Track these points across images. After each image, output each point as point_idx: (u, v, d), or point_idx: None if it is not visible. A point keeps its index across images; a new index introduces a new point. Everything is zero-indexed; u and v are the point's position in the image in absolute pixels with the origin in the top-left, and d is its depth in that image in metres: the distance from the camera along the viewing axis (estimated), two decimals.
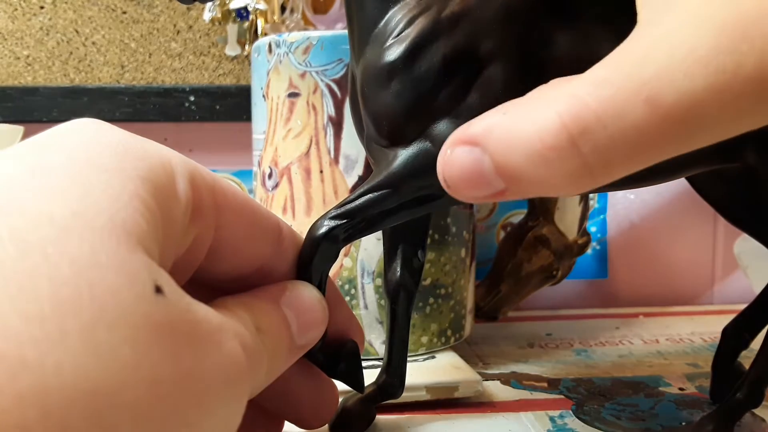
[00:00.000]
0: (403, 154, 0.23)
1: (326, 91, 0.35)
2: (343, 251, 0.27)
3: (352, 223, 0.23)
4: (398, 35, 0.24)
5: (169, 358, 0.13)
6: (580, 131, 0.14)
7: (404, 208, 0.24)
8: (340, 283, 0.36)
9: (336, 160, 0.36)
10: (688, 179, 0.30)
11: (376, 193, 0.23)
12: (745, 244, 0.52)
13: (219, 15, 0.49)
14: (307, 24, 0.50)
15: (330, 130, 0.36)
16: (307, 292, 0.21)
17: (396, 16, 0.24)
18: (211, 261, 0.20)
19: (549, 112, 0.15)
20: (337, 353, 0.24)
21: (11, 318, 0.12)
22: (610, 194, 0.57)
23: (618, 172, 0.15)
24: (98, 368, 0.12)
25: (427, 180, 0.23)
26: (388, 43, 0.24)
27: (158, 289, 0.14)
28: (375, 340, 0.36)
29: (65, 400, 0.11)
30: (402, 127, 0.23)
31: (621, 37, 0.16)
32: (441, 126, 0.23)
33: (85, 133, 0.16)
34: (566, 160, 0.15)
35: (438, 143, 0.23)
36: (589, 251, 0.54)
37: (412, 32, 0.23)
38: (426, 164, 0.23)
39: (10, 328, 0.12)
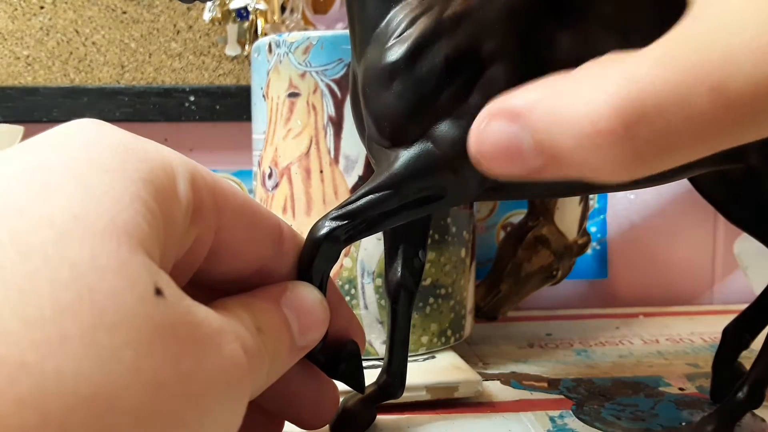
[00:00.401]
0: (405, 155, 0.23)
1: (326, 91, 0.35)
2: (342, 251, 0.27)
3: (353, 224, 0.23)
4: (400, 35, 0.23)
5: (169, 360, 0.13)
6: (636, 118, 0.13)
7: (405, 209, 0.24)
8: (340, 283, 0.36)
9: (336, 160, 0.36)
10: (691, 179, 0.30)
11: (377, 194, 0.23)
12: (745, 244, 0.52)
13: (219, 15, 0.49)
14: (307, 24, 0.50)
15: (330, 130, 0.35)
16: (307, 293, 0.21)
17: (398, 16, 0.24)
18: (212, 262, 0.19)
19: (601, 92, 0.14)
20: (337, 354, 0.24)
21: (12, 322, 0.12)
22: (610, 194, 0.57)
23: (673, 162, 0.14)
24: (98, 372, 0.12)
25: (428, 181, 0.23)
26: (389, 44, 0.24)
27: (159, 291, 0.14)
28: (375, 340, 0.36)
29: (65, 404, 0.11)
30: (403, 127, 0.23)
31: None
32: (443, 127, 0.23)
33: (86, 134, 0.16)
34: (618, 147, 0.14)
35: (440, 144, 0.23)
36: (589, 251, 0.54)
37: (414, 32, 0.23)
38: (428, 165, 0.23)
39: (10, 332, 0.11)
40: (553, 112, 0.14)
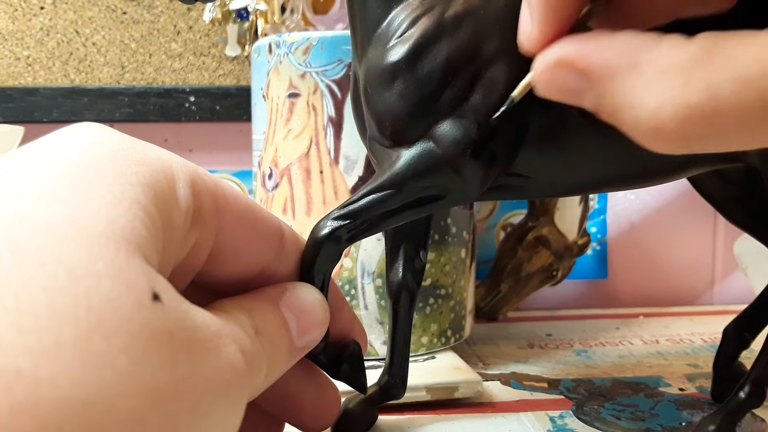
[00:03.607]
0: (406, 155, 0.23)
1: (326, 92, 0.35)
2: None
3: (355, 223, 0.23)
4: (401, 35, 0.24)
5: (166, 366, 0.13)
6: (697, 126, 0.15)
7: (407, 208, 0.24)
8: (340, 283, 0.36)
9: (336, 160, 0.36)
10: (690, 179, 0.30)
11: (379, 194, 0.23)
12: (745, 244, 0.52)
13: (219, 15, 0.49)
14: (308, 24, 0.50)
15: (330, 131, 0.36)
16: (307, 293, 0.21)
17: (399, 17, 0.24)
18: (213, 265, 0.19)
19: (675, 98, 0.15)
20: (339, 355, 0.24)
21: (7, 329, 0.12)
22: (610, 195, 0.57)
23: (713, 149, 0.16)
24: (94, 378, 0.12)
25: (430, 180, 0.23)
26: (391, 44, 0.24)
27: (156, 297, 0.14)
28: (375, 340, 0.36)
29: (60, 411, 0.11)
30: (405, 127, 0.23)
31: None
32: (444, 126, 0.23)
33: (86, 139, 0.16)
34: (669, 141, 0.15)
35: (441, 144, 0.23)
36: (589, 252, 0.54)
37: (415, 33, 0.23)
38: (429, 165, 0.23)
39: (5, 340, 0.11)
40: (625, 93, 0.15)
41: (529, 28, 0.17)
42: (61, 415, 0.11)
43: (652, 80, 0.15)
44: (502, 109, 0.22)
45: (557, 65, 0.17)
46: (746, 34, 0.14)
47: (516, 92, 0.20)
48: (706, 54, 0.15)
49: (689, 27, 0.16)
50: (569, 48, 0.17)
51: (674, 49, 0.15)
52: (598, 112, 0.17)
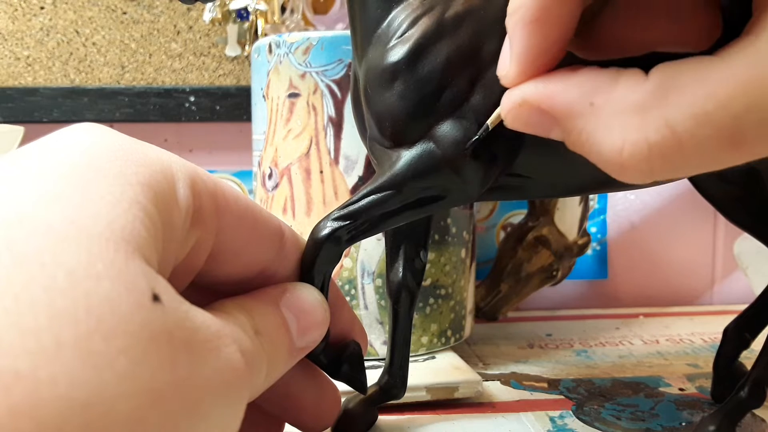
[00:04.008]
0: (407, 156, 0.23)
1: (326, 92, 0.35)
2: None
3: (355, 224, 0.23)
4: (402, 36, 0.23)
5: (166, 366, 0.13)
6: (661, 161, 0.15)
7: (407, 209, 0.24)
8: (340, 283, 0.36)
9: (336, 160, 0.36)
10: (690, 179, 0.30)
11: (379, 195, 0.23)
12: (745, 244, 0.52)
13: (219, 15, 0.49)
14: (308, 24, 0.50)
15: (330, 131, 0.36)
16: (307, 294, 0.21)
17: (399, 17, 0.24)
18: (213, 265, 0.19)
19: (639, 136, 0.15)
20: (340, 355, 0.24)
21: (6, 330, 0.12)
22: (610, 195, 0.57)
23: (679, 176, 0.16)
24: (94, 379, 0.12)
25: (430, 181, 0.23)
26: (391, 44, 0.24)
27: (156, 297, 0.14)
28: (375, 340, 0.36)
29: (59, 412, 0.11)
30: (405, 128, 0.23)
31: None
32: (444, 127, 0.23)
33: (86, 139, 0.16)
34: (635, 174, 0.16)
35: (441, 144, 0.23)
36: (589, 252, 0.54)
37: (415, 33, 0.23)
38: (429, 165, 0.23)
39: (4, 341, 0.11)
40: (588, 132, 0.16)
41: (506, 67, 0.18)
42: (60, 416, 0.11)
43: (611, 120, 0.16)
44: (476, 136, 0.22)
45: (521, 106, 0.17)
46: (700, 66, 0.15)
47: (489, 121, 0.21)
48: (662, 92, 0.15)
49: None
50: (532, 89, 0.17)
51: (631, 88, 0.15)
52: (566, 144, 0.17)
